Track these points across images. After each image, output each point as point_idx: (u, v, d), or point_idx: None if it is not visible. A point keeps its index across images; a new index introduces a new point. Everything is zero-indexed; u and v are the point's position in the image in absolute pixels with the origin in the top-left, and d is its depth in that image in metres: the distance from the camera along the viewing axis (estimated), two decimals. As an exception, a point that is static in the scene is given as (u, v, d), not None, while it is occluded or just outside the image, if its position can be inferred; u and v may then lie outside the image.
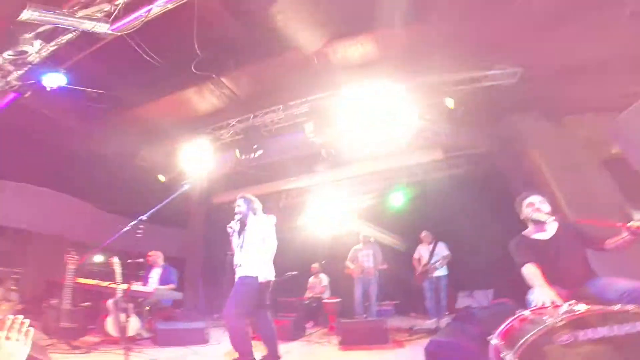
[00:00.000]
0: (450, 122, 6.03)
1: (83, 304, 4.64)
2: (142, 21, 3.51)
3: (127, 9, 3.44)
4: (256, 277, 3.25)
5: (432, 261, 5.57)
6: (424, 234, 6.12)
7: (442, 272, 5.79)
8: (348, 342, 4.17)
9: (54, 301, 4.07)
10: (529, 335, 1.57)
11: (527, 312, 1.86)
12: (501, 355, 1.62)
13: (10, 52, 3.44)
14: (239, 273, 3.36)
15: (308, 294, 7.12)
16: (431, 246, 5.83)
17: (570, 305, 1.64)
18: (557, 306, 1.84)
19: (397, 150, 6.94)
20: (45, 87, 4.06)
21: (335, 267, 8.03)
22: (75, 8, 3.21)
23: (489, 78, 5.27)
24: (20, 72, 3.95)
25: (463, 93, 5.47)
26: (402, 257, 6.51)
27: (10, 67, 3.86)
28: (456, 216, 7.24)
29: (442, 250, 5.82)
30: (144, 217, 2.61)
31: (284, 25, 4.40)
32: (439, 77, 5.43)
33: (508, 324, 1.85)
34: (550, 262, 2.36)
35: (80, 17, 3.26)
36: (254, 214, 3.72)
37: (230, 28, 4.52)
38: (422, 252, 6.06)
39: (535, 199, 2.58)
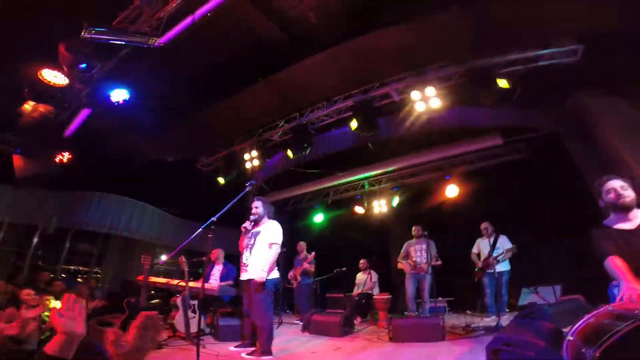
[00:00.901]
0: (508, 105, 5.62)
1: (154, 301, 5.06)
2: (189, 31, 3.75)
3: (170, 22, 3.71)
4: (271, 279, 3.60)
5: (494, 254, 5.15)
6: (483, 226, 5.70)
7: (504, 266, 5.39)
8: (400, 338, 4.03)
9: (132, 299, 4.34)
10: (615, 330, 1.39)
11: (610, 307, 1.66)
12: (582, 352, 1.44)
13: (79, 67, 3.84)
14: (248, 275, 3.62)
15: (356, 290, 7.06)
16: (492, 239, 5.37)
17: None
18: (646, 302, 1.64)
19: (450, 138, 6.69)
20: (111, 103, 4.54)
21: (385, 262, 7.90)
22: (123, 24, 3.55)
23: (545, 57, 4.96)
24: (88, 90, 4.46)
25: (519, 74, 5.13)
26: (456, 252, 6.12)
27: (80, 86, 4.36)
28: (518, 206, 6.69)
29: (504, 242, 5.39)
30: (214, 219, 2.77)
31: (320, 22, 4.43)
32: (491, 59, 5.15)
33: (587, 319, 1.66)
34: (636, 255, 2.09)
35: (131, 32, 3.60)
36: (268, 217, 3.90)
37: (270, 30, 4.63)
38: (482, 245, 5.67)
39: (617, 183, 2.30)
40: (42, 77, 3.81)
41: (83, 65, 3.64)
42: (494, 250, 5.12)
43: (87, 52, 3.59)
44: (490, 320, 4.94)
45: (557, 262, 6.25)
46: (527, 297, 5.99)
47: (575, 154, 5.69)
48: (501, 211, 6.31)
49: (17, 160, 5.62)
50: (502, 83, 4.98)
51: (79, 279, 7.87)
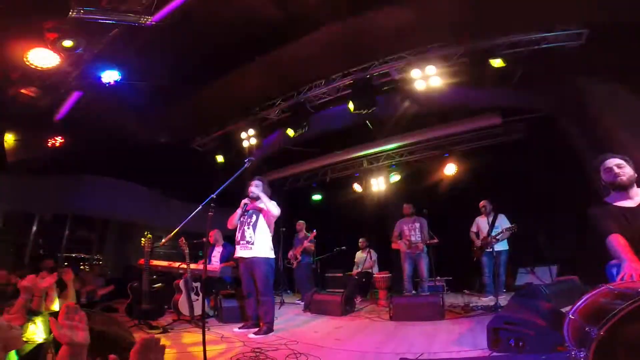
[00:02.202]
0: (508, 86, 5.57)
1: (157, 285, 5.08)
2: (182, 9, 3.58)
3: (163, 0, 3.53)
4: (273, 258, 3.85)
5: (493, 233, 5.14)
6: (482, 204, 5.68)
7: (502, 246, 5.39)
8: (400, 317, 4.13)
9: (134, 284, 4.33)
10: (619, 308, 1.40)
11: (611, 286, 1.67)
12: (585, 331, 1.46)
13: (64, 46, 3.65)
14: (252, 253, 3.74)
15: (356, 269, 7.16)
16: (490, 218, 5.35)
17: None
18: (647, 280, 1.65)
19: (449, 117, 6.64)
20: (102, 85, 4.39)
21: (384, 240, 7.99)
22: (113, 4, 3.37)
23: (549, 40, 4.93)
24: (77, 72, 4.30)
25: (521, 56, 5.11)
26: (454, 231, 6.17)
27: (69, 68, 4.19)
28: (515, 186, 6.72)
29: (503, 222, 5.36)
30: (214, 196, 2.71)
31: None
32: (493, 40, 5.09)
33: (588, 297, 1.68)
34: (637, 234, 2.08)
35: (122, 12, 3.43)
36: (267, 196, 3.96)
37: (266, 7, 4.45)
38: (481, 224, 5.67)
39: (614, 161, 2.27)
40: (28, 60, 3.65)
41: (69, 44, 3.48)
42: (492, 229, 5.12)
43: (72, 30, 3.42)
44: (488, 300, 5.03)
45: (554, 243, 6.35)
46: (523, 278, 6.12)
47: (574, 135, 5.70)
48: (499, 191, 6.32)
49: (8, 146, 5.49)
50: (497, 62, 4.94)
51: (81, 267, 7.88)
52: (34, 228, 7.41)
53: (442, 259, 6.03)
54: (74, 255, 8.13)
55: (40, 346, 2.19)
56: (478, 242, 5.56)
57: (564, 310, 2.29)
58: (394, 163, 8.58)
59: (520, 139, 7.16)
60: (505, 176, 6.94)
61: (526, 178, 6.78)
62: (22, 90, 4.04)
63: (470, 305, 4.64)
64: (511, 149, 7.14)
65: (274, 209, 3.86)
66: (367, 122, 6.77)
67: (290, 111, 6.57)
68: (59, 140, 5.84)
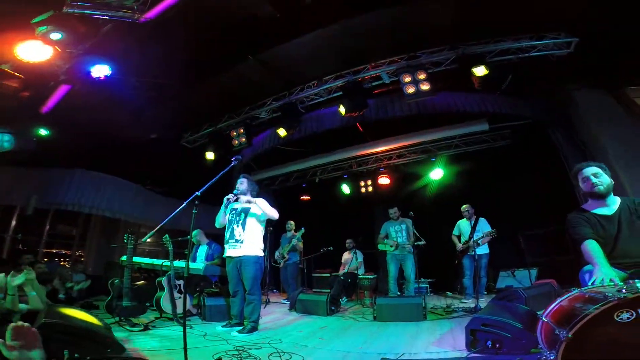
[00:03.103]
0: (497, 93, 5.71)
1: (139, 282, 5.01)
2: (177, 6, 3.55)
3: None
4: (262, 257, 3.84)
5: (475, 237, 5.23)
6: (464, 208, 5.77)
7: (483, 249, 5.48)
8: (384, 317, 4.19)
9: (116, 280, 4.28)
10: (587, 311, 1.47)
11: (583, 290, 1.75)
12: (555, 333, 1.53)
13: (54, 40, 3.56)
14: (242, 252, 3.74)
15: (342, 270, 7.21)
16: (472, 221, 5.48)
17: (630, 283, 1.54)
18: (616, 286, 1.72)
19: (438, 122, 6.74)
20: (92, 79, 4.31)
21: (371, 242, 8.07)
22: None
23: (538, 48, 5.07)
24: (68, 66, 4.20)
25: (510, 63, 5.25)
26: (439, 234, 6.28)
27: (60, 62, 4.09)
28: (500, 191, 6.89)
29: (484, 226, 5.49)
30: (198, 193, 2.68)
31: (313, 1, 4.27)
32: (484, 46, 5.23)
33: (560, 301, 1.75)
34: (611, 240, 2.17)
35: (116, 7, 3.39)
36: (252, 196, 3.97)
37: (261, 6, 4.44)
38: (463, 227, 5.77)
39: (590, 170, 2.32)
40: (17, 55, 3.54)
41: (57, 37, 3.40)
42: (474, 233, 5.21)
43: (62, 23, 3.35)
44: (469, 302, 5.12)
45: (534, 247, 6.54)
46: (504, 280, 6.28)
47: (559, 143, 5.88)
48: (483, 195, 6.47)
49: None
50: (480, 72, 5.05)
51: (62, 263, 7.68)
52: (13, 222, 7.20)
53: (426, 262, 6.13)
54: (54, 251, 7.93)
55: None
56: (460, 246, 5.66)
57: (539, 313, 2.37)
58: (382, 166, 8.68)
59: (506, 145, 7.35)
60: (490, 181, 7.12)
61: (511, 183, 6.96)
62: (6, 82, 3.92)
63: (452, 307, 4.73)
64: (497, 154, 7.33)
65: (274, 214, 3.92)
66: (358, 124, 6.82)
67: (281, 111, 6.58)
68: (44, 132, 5.68)
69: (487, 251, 5.57)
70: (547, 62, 5.10)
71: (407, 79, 5.54)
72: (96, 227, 8.66)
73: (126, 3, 3.33)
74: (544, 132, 6.16)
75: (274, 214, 3.92)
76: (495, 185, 7.01)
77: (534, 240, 6.64)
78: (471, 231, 5.23)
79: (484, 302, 4.49)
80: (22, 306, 2.71)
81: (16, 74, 3.91)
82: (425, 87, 5.51)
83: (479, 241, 5.25)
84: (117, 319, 3.87)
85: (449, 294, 6.64)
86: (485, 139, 7.51)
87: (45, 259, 7.45)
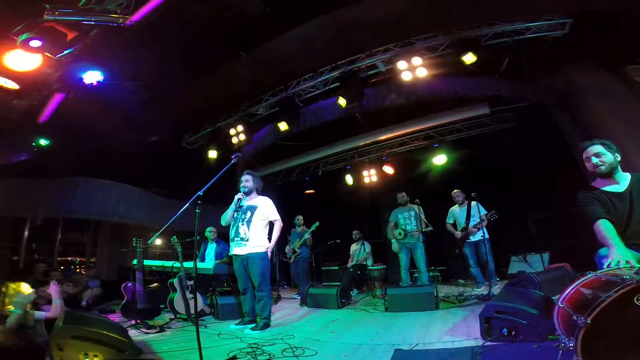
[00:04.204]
0: (496, 76, 5.60)
1: (152, 285, 5.07)
2: (161, 8, 3.50)
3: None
4: (268, 253, 3.82)
5: (472, 223, 4.99)
6: (454, 193, 5.44)
7: (478, 235, 5.07)
8: (396, 308, 4.17)
9: (128, 284, 4.34)
10: (605, 296, 1.42)
11: (599, 273, 1.69)
12: (573, 319, 1.48)
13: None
14: (248, 250, 3.75)
15: (351, 261, 7.21)
16: (465, 207, 5.22)
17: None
18: (633, 267, 1.66)
19: (438, 108, 6.66)
20: (85, 86, 4.29)
21: (378, 232, 8.05)
22: (92, 2, 3.27)
23: (533, 30, 5.03)
24: (59, 74, 4.18)
25: (505, 45, 5.21)
26: (445, 220, 6.19)
27: (50, 70, 4.07)
28: (506, 174, 6.78)
29: (479, 209, 5.02)
30: (200, 193, 2.68)
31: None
32: (478, 30, 5.17)
33: (576, 285, 1.70)
34: (624, 219, 2.10)
35: (99, 12, 3.34)
36: (257, 192, 4.01)
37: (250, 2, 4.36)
38: (456, 214, 5.47)
39: (594, 150, 2.24)
40: (5, 65, 3.52)
41: (38, 44, 3.34)
42: (470, 219, 5.02)
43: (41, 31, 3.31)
44: (481, 290, 4.95)
45: (544, 231, 6.43)
46: (516, 266, 6.17)
47: (563, 123, 5.78)
48: (489, 179, 6.37)
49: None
50: (469, 58, 5.00)
51: (78, 270, 7.79)
52: (26, 233, 7.30)
53: (435, 249, 6.04)
54: (69, 259, 8.06)
55: (40, 346, 2.24)
56: (458, 234, 5.33)
57: (555, 298, 2.32)
58: (385, 155, 8.60)
59: (510, 128, 7.23)
60: (496, 164, 7.00)
61: (517, 166, 6.85)
62: (2, 85, 3.87)
63: (464, 295, 4.68)
64: (502, 137, 7.22)
65: (276, 218, 3.95)
66: (357, 115, 6.74)
67: (279, 106, 6.56)
68: (44, 142, 5.71)
69: (486, 236, 5.06)
70: (545, 44, 5.05)
71: (403, 66, 5.47)
72: (106, 233, 8.75)
73: (109, 7, 3.28)
74: (547, 113, 6.06)
75: (277, 216, 3.92)
76: (501, 168, 6.89)
77: (543, 223, 6.53)
78: (466, 217, 5.02)
79: (497, 289, 4.43)
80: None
81: (9, 84, 3.89)
82: (422, 73, 5.44)
83: (478, 226, 4.95)
84: (133, 322, 3.93)
85: (461, 281, 6.57)
86: (487, 122, 7.43)
87: (62, 267, 7.55)
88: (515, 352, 2.21)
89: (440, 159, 7.76)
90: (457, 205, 5.48)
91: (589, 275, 1.69)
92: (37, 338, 2.52)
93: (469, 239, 5.15)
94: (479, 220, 4.95)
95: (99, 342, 2.35)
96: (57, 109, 4.66)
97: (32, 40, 3.35)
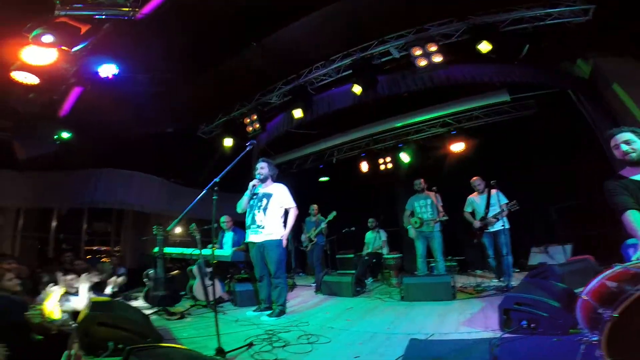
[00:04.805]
0: (515, 63, 5.38)
1: (173, 272, 5.21)
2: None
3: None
4: (284, 241, 3.85)
5: (491, 213, 4.77)
6: (477, 181, 5.18)
7: (497, 225, 4.77)
8: (412, 297, 4.14)
9: (150, 272, 4.45)
10: (635, 289, 1.36)
11: (627, 265, 1.62)
12: (597, 312, 1.43)
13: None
14: (264, 237, 3.78)
15: (366, 249, 7.20)
16: (485, 196, 4.97)
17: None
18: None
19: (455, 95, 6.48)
20: (101, 79, 4.37)
21: (393, 220, 7.98)
22: None
23: (554, 16, 4.83)
24: (75, 68, 4.27)
25: (525, 32, 5.02)
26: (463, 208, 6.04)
27: (67, 65, 4.15)
28: (526, 163, 6.55)
29: (500, 198, 4.78)
30: (217, 179, 2.71)
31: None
32: (496, 16, 5.00)
33: (602, 278, 1.63)
34: None
35: (108, 6, 3.37)
36: (273, 179, 4.01)
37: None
38: (475, 203, 5.19)
39: (623, 137, 2.18)
40: (23, 59, 3.62)
41: (51, 40, 3.40)
42: (489, 208, 4.81)
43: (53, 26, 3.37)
44: (500, 281, 4.79)
45: (567, 221, 6.18)
46: (536, 257, 5.99)
47: (587, 111, 5.54)
48: (509, 168, 6.17)
49: (17, 144, 5.58)
50: (484, 47, 4.85)
51: (103, 259, 8.14)
52: (54, 223, 7.65)
53: (453, 238, 5.92)
54: (95, 248, 8.42)
55: (67, 334, 2.36)
56: (477, 223, 5.03)
57: (577, 291, 2.25)
58: (400, 142, 8.46)
59: (531, 115, 6.95)
60: (516, 152, 6.76)
61: (538, 154, 6.59)
62: (21, 81, 3.99)
63: (482, 285, 4.59)
64: (523, 125, 6.95)
65: (291, 206, 3.97)
66: (370, 101, 6.61)
67: (291, 94, 6.53)
68: (66, 134, 5.90)
69: (506, 226, 4.68)
70: (567, 29, 4.84)
71: (418, 52, 5.31)
72: (128, 222, 9.06)
73: (118, 1, 3.30)
74: (570, 101, 5.80)
75: (292, 203, 3.94)
76: (521, 156, 6.65)
77: (566, 213, 6.27)
78: (486, 206, 4.81)
79: (516, 280, 4.30)
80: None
81: (29, 79, 3.99)
82: (437, 59, 5.26)
83: (498, 216, 4.71)
84: (155, 309, 4.07)
85: (479, 271, 6.45)
86: (507, 109, 7.15)
87: (88, 256, 7.89)
88: (534, 345, 2.16)
89: (457, 146, 7.56)
90: (476, 193, 5.24)
91: (616, 268, 1.62)
92: (64, 326, 2.65)
93: (488, 229, 4.93)
94: (499, 210, 4.71)
95: (123, 328, 2.45)
96: (76, 103, 4.79)
97: (44, 35, 3.43)
